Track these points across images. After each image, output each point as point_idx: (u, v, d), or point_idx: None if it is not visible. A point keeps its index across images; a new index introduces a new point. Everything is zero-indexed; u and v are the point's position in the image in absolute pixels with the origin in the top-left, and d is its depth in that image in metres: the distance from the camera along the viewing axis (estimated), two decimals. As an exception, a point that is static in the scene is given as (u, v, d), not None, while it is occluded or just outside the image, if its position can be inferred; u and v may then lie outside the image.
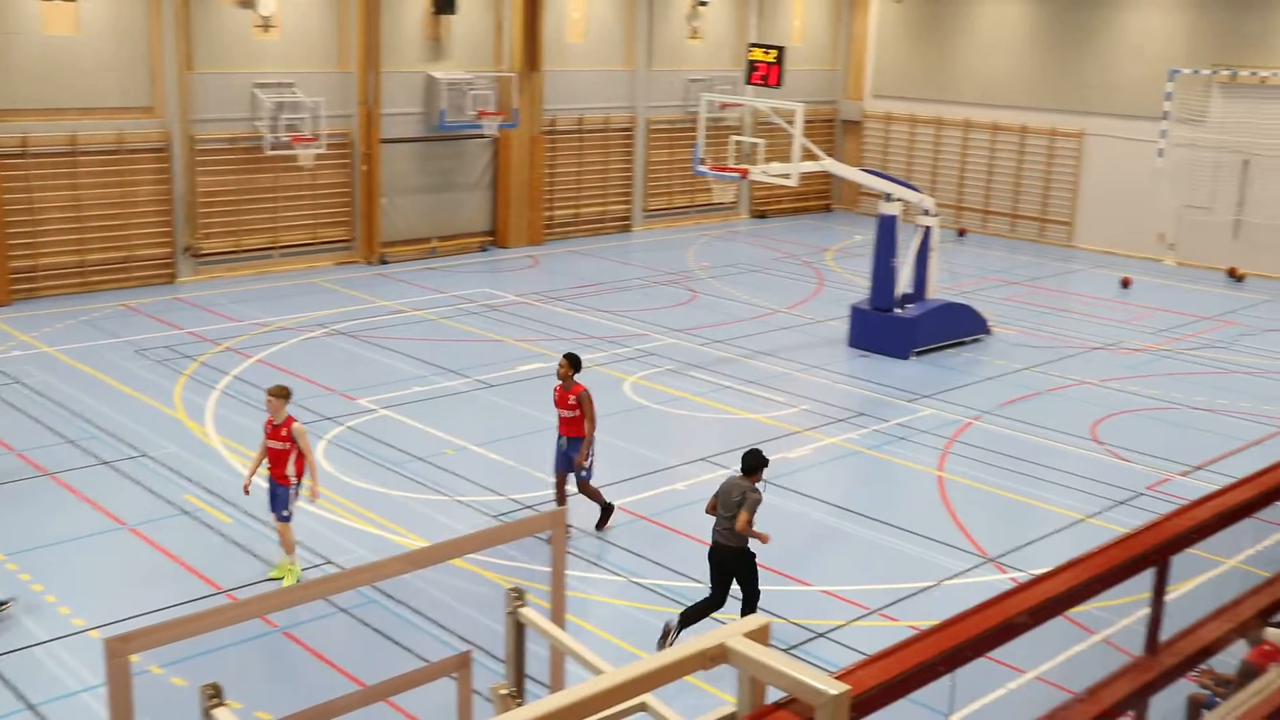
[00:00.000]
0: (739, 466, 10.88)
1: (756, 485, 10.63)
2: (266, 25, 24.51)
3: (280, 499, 11.72)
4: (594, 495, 13.05)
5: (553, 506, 12.99)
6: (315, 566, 12.09)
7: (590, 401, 12.77)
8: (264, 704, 9.33)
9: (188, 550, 12.40)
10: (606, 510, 13.15)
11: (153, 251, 23.67)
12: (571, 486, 13.13)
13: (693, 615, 10.67)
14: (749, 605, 10.71)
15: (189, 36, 23.51)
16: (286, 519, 11.77)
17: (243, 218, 24.78)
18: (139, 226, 23.46)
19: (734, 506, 10.50)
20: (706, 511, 10.95)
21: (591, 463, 12.87)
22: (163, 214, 23.68)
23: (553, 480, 13.21)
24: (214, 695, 3.61)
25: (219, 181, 24.36)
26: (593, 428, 12.79)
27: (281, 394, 11.68)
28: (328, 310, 22.12)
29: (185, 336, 20.10)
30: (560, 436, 12.94)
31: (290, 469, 11.68)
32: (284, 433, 11.60)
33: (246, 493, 12.01)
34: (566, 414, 12.80)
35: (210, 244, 24.33)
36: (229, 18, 24.04)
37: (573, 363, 12.83)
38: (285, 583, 11.64)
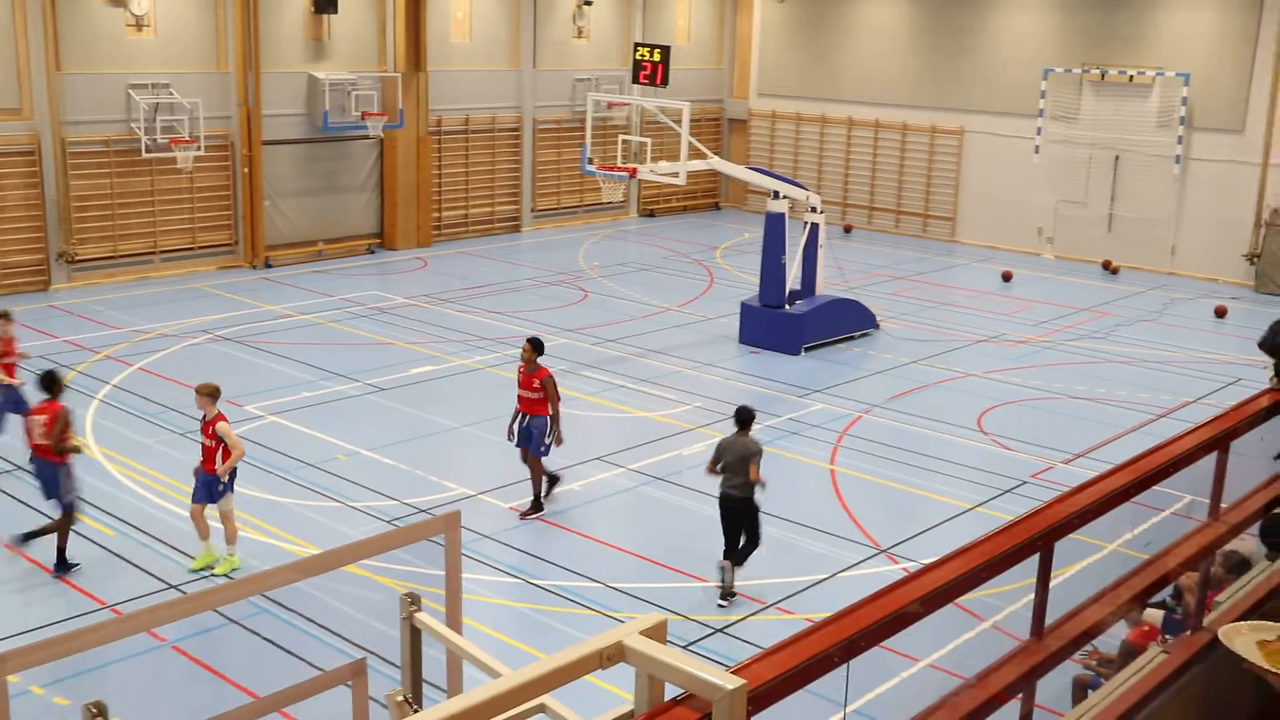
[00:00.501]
0: (734, 424, 12.03)
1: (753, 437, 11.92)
2: (139, 24, 23.88)
3: (212, 487, 11.97)
4: (538, 475, 13.51)
5: (447, 509, 12.90)
6: (204, 577, 11.82)
7: (554, 384, 13.37)
8: (152, 721, 9.10)
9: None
10: (538, 504, 13.56)
11: (25, 258, 22.91)
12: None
13: (742, 558, 11.88)
14: (752, 546, 11.92)
15: (57, 35, 22.80)
16: (223, 494, 11.97)
17: (120, 222, 24.11)
18: (9, 232, 22.69)
19: (744, 463, 11.62)
20: (707, 472, 12.03)
21: (551, 443, 13.41)
22: (34, 219, 22.92)
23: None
24: (98, 714, 3.51)
25: (94, 185, 23.67)
26: (557, 409, 13.34)
27: (207, 391, 11.98)
28: (211, 316, 21.64)
29: (62, 345, 19.49)
30: (522, 414, 13.46)
31: (220, 463, 11.91)
32: (211, 430, 11.87)
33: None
34: (529, 395, 13.34)
35: (86, 250, 23.63)
36: (99, 16, 23.37)
37: (535, 347, 13.33)
38: (219, 570, 11.92)
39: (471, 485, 14.32)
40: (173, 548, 12.44)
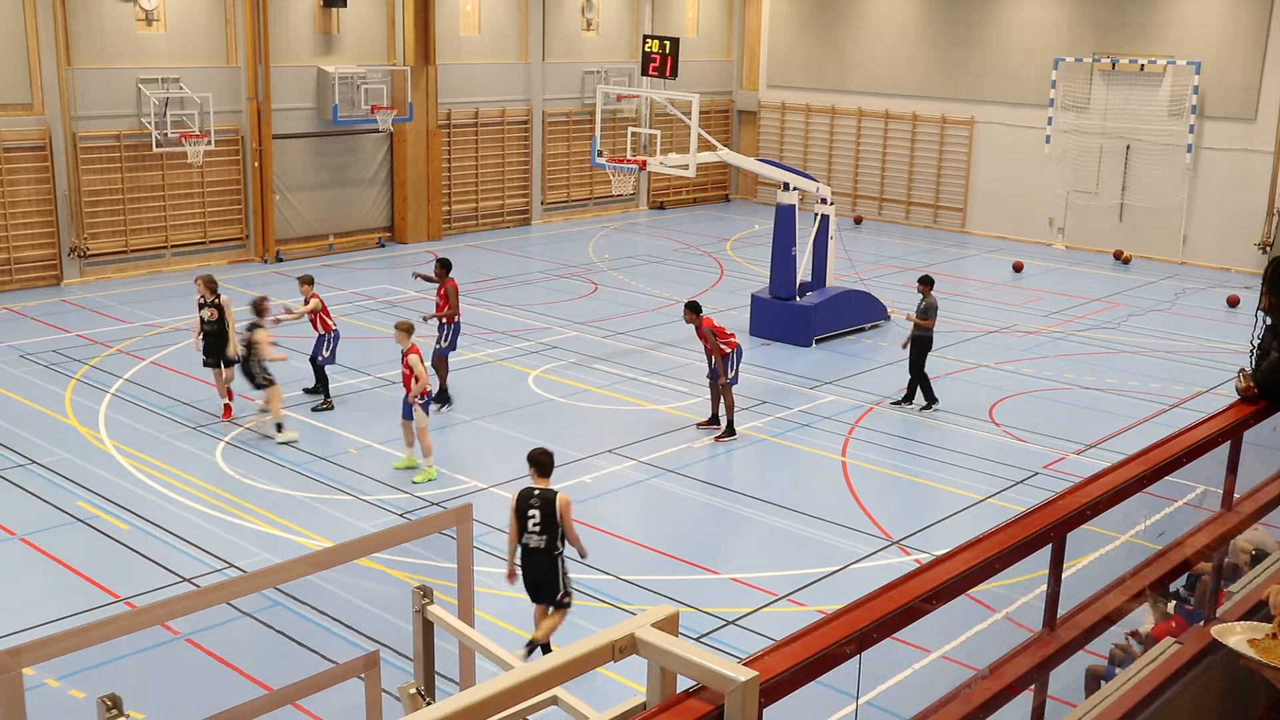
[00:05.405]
0: (921, 285, 17.15)
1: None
2: (149, 19, 23.92)
3: (409, 407, 14.27)
4: (729, 402, 15.99)
5: (459, 502, 12.92)
6: (217, 571, 11.86)
7: (714, 335, 15.86)
8: (167, 713, 9.14)
9: (83, 559, 12.07)
10: (731, 429, 16.02)
11: (37, 253, 22.99)
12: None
13: (929, 395, 17.17)
14: (921, 379, 17.11)
15: (68, 30, 22.85)
16: (418, 412, 14.18)
17: (131, 217, 24.17)
18: (21, 227, 22.76)
19: (934, 312, 16.96)
20: (910, 318, 17.18)
21: (734, 374, 16.01)
22: (46, 214, 23.00)
23: None
24: (113, 707, 3.52)
25: (105, 180, 23.73)
26: (716, 349, 15.86)
27: (404, 327, 14.25)
28: (222, 310, 21.63)
29: (74, 340, 19.55)
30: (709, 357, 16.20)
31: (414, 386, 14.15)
32: (405, 360, 14.10)
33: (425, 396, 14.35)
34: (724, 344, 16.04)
35: (97, 244, 23.70)
36: (110, 11, 23.41)
37: (692, 308, 16.18)
38: (418, 478, 14.15)
39: (483, 478, 14.35)
40: (185, 541, 12.48)
